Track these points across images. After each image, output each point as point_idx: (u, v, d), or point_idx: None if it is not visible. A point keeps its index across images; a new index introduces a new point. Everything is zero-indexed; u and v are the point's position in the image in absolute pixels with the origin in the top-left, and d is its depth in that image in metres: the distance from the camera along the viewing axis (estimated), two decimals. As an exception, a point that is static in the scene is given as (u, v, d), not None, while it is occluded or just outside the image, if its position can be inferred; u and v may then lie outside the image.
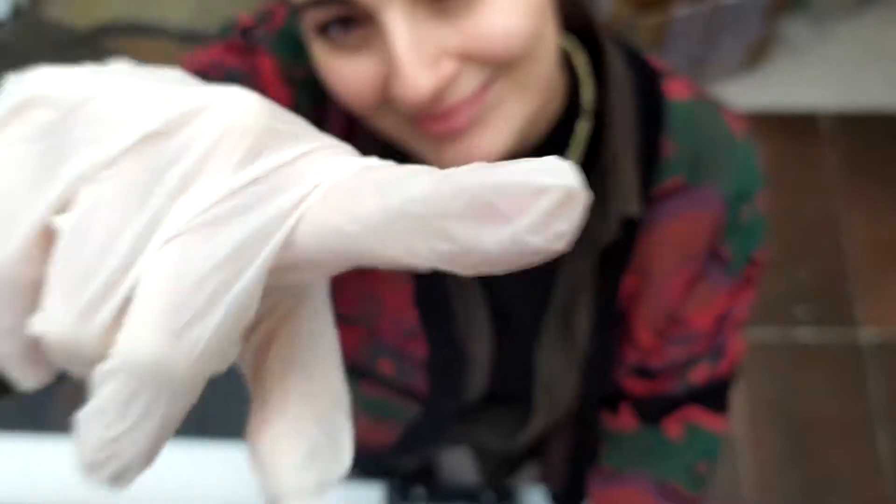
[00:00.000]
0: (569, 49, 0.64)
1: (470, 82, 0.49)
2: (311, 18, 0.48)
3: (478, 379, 0.78)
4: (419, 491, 1.12)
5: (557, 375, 0.77)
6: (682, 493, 0.81)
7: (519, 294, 0.72)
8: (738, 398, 2.11)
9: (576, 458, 0.92)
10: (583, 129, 0.63)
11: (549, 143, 0.62)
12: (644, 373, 0.78)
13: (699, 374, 0.76)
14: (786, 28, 2.56)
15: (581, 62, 0.64)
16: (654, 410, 0.79)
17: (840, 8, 2.56)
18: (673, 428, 0.79)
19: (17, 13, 2.60)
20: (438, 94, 0.47)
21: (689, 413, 0.79)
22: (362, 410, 1.01)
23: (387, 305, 0.74)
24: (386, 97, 0.49)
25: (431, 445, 0.94)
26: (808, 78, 2.53)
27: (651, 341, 0.74)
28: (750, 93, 2.50)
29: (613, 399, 0.82)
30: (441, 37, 0.46)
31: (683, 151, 0.65)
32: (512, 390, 0.81)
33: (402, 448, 0.96)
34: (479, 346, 0.75)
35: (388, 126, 0.52)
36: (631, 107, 0.63)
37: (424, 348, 0.76)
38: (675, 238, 0.67)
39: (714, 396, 0.79)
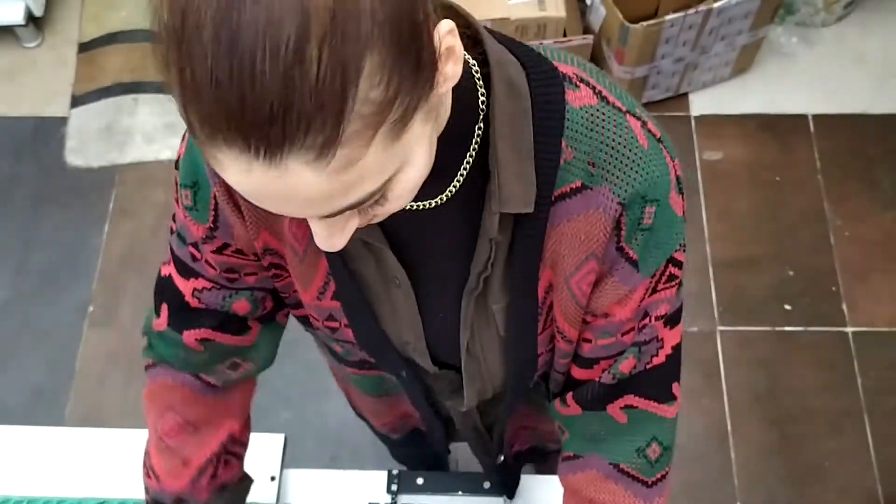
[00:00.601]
0: (465, 57, 0.68)
1: (370, 216, 0.61)
2: None
3: (417, 351, 0.87)
4: (419, 480, 1.18)
5: (480, 348, 0.84)
6: (636, 475, 0.87)
7: (439, 280, 0.79)
8: (728, 391, 2.17)
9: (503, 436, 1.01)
10: (479, 131, 0.68)
11: (450, 142, 0.67)
12: (582, 361, 0.84)
13: (626, 365, 0.81)
14: (774, 34, 2.63)
15: (474, 70, 0.68)
16: (594, 398, 0.85)
17: (826, 15, 2.61)
18: (616, 413, 0.85)
19: (30, 20, 2.66)
20: None
21: (629, 400, 0.84)
22: (372, 395, 1.09)
23: (307, 302, 0.84)
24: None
25: (426, 410, 1.02)
26: (795, 82, 2.59)
27: (573, 332, 0.80)
28: (739, 96, 2.57)
29: (564, 389, 0.88)
30: (350, 223, 0.59)
31: (580, 155, 0.68)
32: (452, 361, 0.88)
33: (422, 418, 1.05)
34: (407, 327, 0.83)
35: None
36: (522, 110, 0.67)
37: (350, 332, 0.85)
38: (575, 236, 0.71)
39: (651, 385, 0.84)
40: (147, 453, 0.96)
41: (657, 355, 0.81)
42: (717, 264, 2.32)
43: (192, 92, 0.47)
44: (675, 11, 2.22)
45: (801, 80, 2.59)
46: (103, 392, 2.22)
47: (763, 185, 2.44)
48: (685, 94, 2.57)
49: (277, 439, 1.24)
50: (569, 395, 0.86)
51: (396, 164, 0.54)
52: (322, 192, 0.51)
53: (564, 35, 2.33)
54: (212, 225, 0.79)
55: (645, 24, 2.22)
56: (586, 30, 2.42)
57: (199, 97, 0.47)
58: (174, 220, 0.84)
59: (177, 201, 0.81)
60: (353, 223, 0.59)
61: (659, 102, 2.55)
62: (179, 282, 0.86)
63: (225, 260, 0.82)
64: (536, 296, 0.76)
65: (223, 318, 0.88)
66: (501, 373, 0.87)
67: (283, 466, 1.22)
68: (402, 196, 0.57)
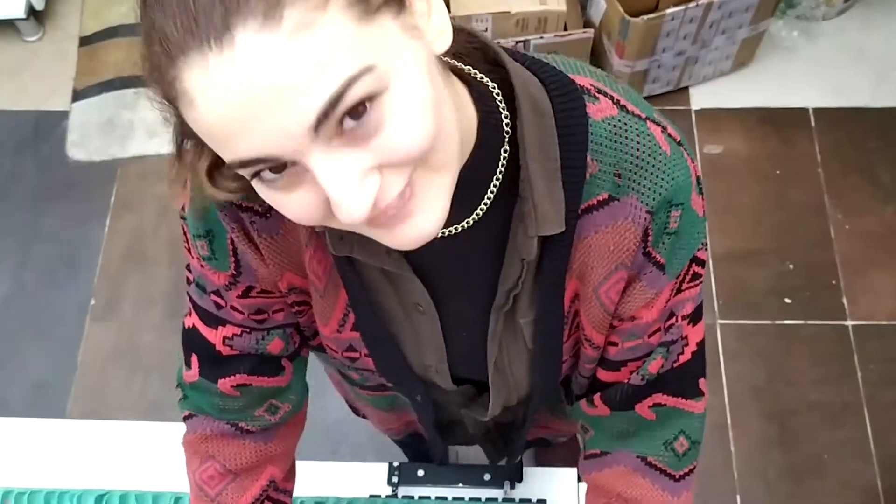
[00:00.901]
0: (484, 80, 0.68)
1: (394, 185, 0.55)
2: (244, 172, 0.55)
3: (439, 373, 0.86)
4: (420, 472, 1.18)
5: (508, 362, 0.84)
6: (664, 468, 0.88)
7: (463, 300, 0.79)
8: (728, 384, 2.17)
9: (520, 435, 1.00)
10: (504, 154, 0.68)
11: (476, 168, 0.67)
12: (609, 364, 0.84)
13: (655, 365, 0.81)
14: (774, 28, 2.63)
15: (495, 93, 0.68)
16: (622, 399, 0.85)
17: (826, 8, 2.61)
18: (644, 412, 0.86)
19: (31, 14, 2.66)
20: (372, 207, 0.55)
21: (657, 399, 0.85)
22: (381, 409, 1.09)
23: (327, 335, 0.83)
24: (332, 211, 0.56)
25: (433, 422, 1.02)
26: (796, 76, 2.59)
27: (600, 339, 0.80)
28: (740, 90, 2.57)
29: (589, 391, 0.89)
30: (359, 160, 0.53)
31: (606, 167, 0.68)
32: (473, 376, 0.88)
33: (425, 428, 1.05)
34: (429, 352, 0.83)
35: (341, 226, 0.59)
36: (548, 129, 0.67)
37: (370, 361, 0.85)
38: (603, 247, 0.71)
39: (679, 383, 0.84)
40: None
41: (683, 353, 0.81)
42: (717, 258, 2.33)
43: (147, 23, 0.50)
44: (675, 5, 2.22)
45: (802, 74, 2.59)
46: (105, 387, 2.23)
47: (763, 179, 2.45)
48: (685, 88, 2.57)
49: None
50: (596, 397, 0.86)
51: (374, 57, 0.51)
52: (287, 70, 0.48)
53: (565, 29, 2.33)
54: (234, 272, 0.77)
55: (645, 17, 2.22)
56: (587, 23, 2.41)
57: (153, 26, 0.50)
58: (189, 271, 0.81)
59: (189, 251, 0.79)
60: (372, 182, 0.54)
61: (659, 96, 2.55)
62: (206, 332, 0.83)
63: (252, 302, 0.80)
64: (563, 307, 0.77)
65: (257, 360, 0.85)
66: (527, 382, 0.87)
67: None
68: (406, 122, 0.53)
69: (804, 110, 2.54)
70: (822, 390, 2.17)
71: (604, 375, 0.85)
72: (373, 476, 1.21)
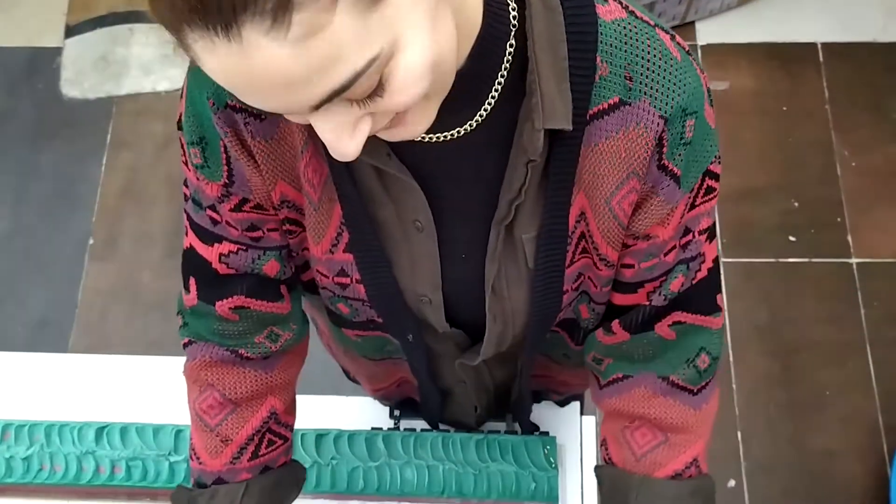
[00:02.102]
0: None
1: (384, 119, 0.58)
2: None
3: (433, 305, 0.84)
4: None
5: (506, 285, 0.81)
6: (685, 385, 0.87)
7: (463, 216, 0.76)
8: (731, 322, 2.17)
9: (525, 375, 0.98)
10: (510, 49, 0.66)
11: (480, 62, 0.65)
12: (625, 287, 0.83)
13: (676, 284, 0.80)
14: (783, -40, 2.57)
15: None
16: (643, 321, 0.84)
17: (838, -61, 2.55)
18: (664, 331, 0.85)
19: None
20: None
21: (677, 317, 0.84)
22: (371, 360, 1.04)
23: (318, 257, 0.81)
24: None
25: (426, 370, 0.99)
26: (804, 9, 2.53)
27: (614, 255, 0.78)
28: (747, 25, 2.52)
29: (605, 319, 0.87)
30: (353, 113, 0.55)
31: (616, 70, 0.66)
32: (468, 317, 0.85)
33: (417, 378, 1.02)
34: (424, 279, 0.81)
35: None
36: (556, 25, 0.65)
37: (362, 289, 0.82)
38: (614, 154, 0.69)
39: (697, 300, 0.83)
40: (190, 435, 0.93)
41: (700, 270, 0.81)
42: (721, 196, 2.26)
43: None
44: (683, -65, 2.16)
45: (811, 8, 2.53)
46: (105, 324, 2.22)
47: (770, 116, 2.41)
48: (692, 23, 2.52)
49: (280, 366, 1.24)
50: (614, 324, 0.85)
51: (381, 42, 0.50)
52: (295, 70, 0.48)
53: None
54: (226, 181, 0.75)
55: (652, -52, 2.17)
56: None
57: None
58: (186, 186, 0.80)
59: (185, 164, 0.77)
60: (364, 126, 0.56)
61: (665, 31, 2.50)
62: (203, 250, 0.82)
63: (245, 217, 0.78)
64: (567, 223, 0.74)
65: (255, 281, 0.84)
66: (525, 313, 0.84)
67: (286, 393, 1.22)
68: (406, 88, 0.53)
69: (812, 45, 2.49)
70: (824, 328, 2.17)
71: (621, 299, 0.84)
72: (375, 409, 1.21)
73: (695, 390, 0.87)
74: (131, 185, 2.38)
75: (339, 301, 0.86)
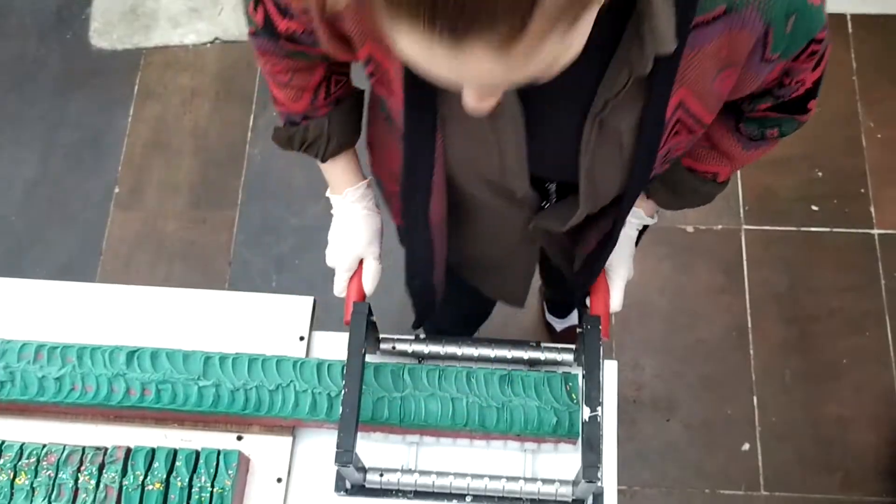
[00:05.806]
0: None
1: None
2: None
3: (517, 173, 0.89)
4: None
5: (599, 168, 0.87)
6: (750, 135, 0.99)
7: (557, 105, 0.81)
8: (751, 289, 2.17)
9: (601, 247, 1.05)
10: None
11: None
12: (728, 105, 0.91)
13: (763, 105, 0.91)
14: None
15: None
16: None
17: None
18: (755, 114, 0.95)
19: None
20: None
21: (767, 113, 0.94)
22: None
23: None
24: None
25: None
26: (835, -20, 2.52)
27: (711, 117, 0.85)
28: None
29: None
30: (497, 84, 0.61)
31: None
32: (557, 179, 0.95)
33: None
34: (511, 144, 0.85)
35: None
36: None
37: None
38: (717, 54, 0.74)
39: (788, 107, 0.92)
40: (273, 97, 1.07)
41: (797, 91, 0.89)
42: (745, 163, 2.30)
43: None
44: None
45: (842, -22, 2.51)
46: (129, 272, 2.25)
47: (796, 85, 2.40)
48: (721, -10, 2.50)
49: (307, 301, 1.25)
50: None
51: (565, 50, 0.57)
52: (495, 78, 0.55)
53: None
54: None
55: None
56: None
57: None
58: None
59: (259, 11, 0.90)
60: (494, 97, 0.65)
61: None
62: (276, 16, 0.90)
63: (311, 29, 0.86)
64: (664, 116, 0.80)
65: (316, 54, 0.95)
66: (616, 188, 0.92)
67: (311, 328, 1.24)
68: (556, 71, 0.60)
69: (842, 16, 2.47)
70: (844, 298, 2.17)
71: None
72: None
73: (753, 144, 1.01)
74: (158, 136, 2.40)
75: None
